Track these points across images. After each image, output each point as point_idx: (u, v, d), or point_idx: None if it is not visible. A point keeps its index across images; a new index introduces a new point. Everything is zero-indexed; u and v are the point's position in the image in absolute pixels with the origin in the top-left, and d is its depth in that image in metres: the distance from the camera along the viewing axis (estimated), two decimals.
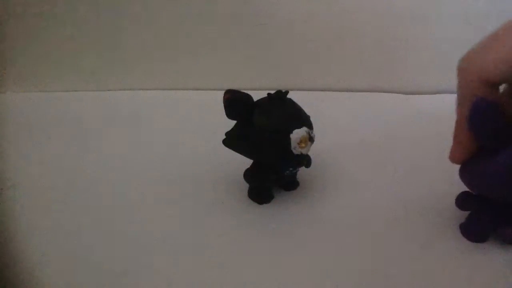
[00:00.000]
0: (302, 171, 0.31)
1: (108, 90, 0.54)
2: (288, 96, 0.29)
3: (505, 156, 0.22)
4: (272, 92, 0.28)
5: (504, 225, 0.25)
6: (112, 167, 0.37)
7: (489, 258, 0.25)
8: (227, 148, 0.29)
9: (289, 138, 0.27)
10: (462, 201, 0.27)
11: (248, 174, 0.30)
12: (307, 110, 0.29)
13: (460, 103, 0.23)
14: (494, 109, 0.21)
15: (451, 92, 0.24)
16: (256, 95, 0.29)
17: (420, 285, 0.23)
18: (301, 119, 0.28)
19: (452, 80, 0.24)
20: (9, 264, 0.26)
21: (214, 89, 0.41)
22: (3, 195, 0.33)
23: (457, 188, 0.26)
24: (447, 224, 0.27)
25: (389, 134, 0.40)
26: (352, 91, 0.50)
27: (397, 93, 0.49)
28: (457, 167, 0.25)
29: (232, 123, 0.29)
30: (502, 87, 0.23)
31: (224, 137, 0.29)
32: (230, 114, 0.28)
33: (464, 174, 0.25)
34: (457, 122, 0.24)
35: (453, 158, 0.25)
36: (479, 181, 0.24)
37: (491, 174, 0.23)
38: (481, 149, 0.23)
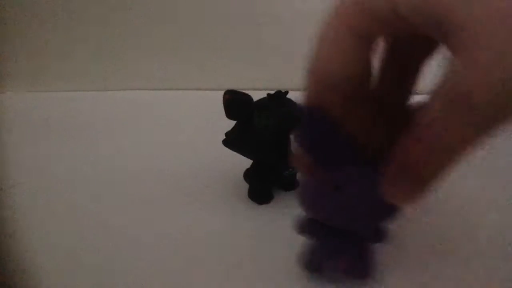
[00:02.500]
0: None
1: (108, 90, 0.54)
2: (288, 96, 0.29)
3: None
4: (272, 92, 0.28)
5: (337, 256, 0.22)
6: (112, 167, 0.37)
7: None
8: (227, 148, 0.29)
9: (289, 139, 0.27)
10: (302, 223, 0.22)
11: (248, 174, 0.30)
12: None
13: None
14: (322, 121, 0.17)
15: None
16: (256, 95, 0.29)
17: None
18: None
19: None
20: (9, 264, 0.26)
21: (214, 89, 0.41)
22: (3, 195, 0.33)
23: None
24: None
25: None
26: None
27: None
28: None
29: (232, 123, 0.29)
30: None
31: (224, 137, 0.29)
32: (230, 114, 0.28)
33: (299, 192, 0.20)
34: None
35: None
36: (308, 202, 0.20)
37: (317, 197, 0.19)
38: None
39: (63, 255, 0.26)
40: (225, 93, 0.27)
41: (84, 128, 0.45)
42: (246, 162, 0.30)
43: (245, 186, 0.31)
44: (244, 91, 0.28)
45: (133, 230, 0.28)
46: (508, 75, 0.12)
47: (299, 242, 0.27)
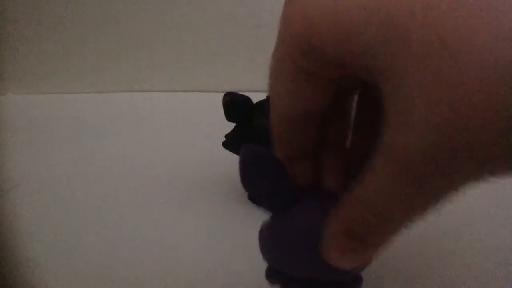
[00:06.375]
0: None
1: (108, 92, 0.54)
2: None
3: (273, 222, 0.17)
4: None
5: None
6: (112, 169, 0.37)
7: None
8: (227, 150, 0.29)
9: None
10: (269, 272, 0.19)
11: None
12: None
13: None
14: (264, 160, 0.16)
15: None
16: (256, 97, 0.29)
17: None
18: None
19: None
20: (9, 265, 0.26)
21: (213, 91, 0.41)
22: (4, 196, 0.33)
23: None
24: None
25: None
26: None
27: None
28: None
29: (231, 125, 0.29)
30: None
31: (224, 139, 0.29)
32: (229, 116, 0.28)
33: (259, 236, 0.18)
34: None
35: None
36: (263, 247, 0.18)
37: (265, 241, 0.17)
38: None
39: (63, 256, 0.26)
40: (224, 95, 0.27)
41: (84, 130, 0.45)
42: None
43: None
44: (243, 93, 0.28)
45: (133, 231, 0.28)
46: (442, 138, 0.11)
47: None
